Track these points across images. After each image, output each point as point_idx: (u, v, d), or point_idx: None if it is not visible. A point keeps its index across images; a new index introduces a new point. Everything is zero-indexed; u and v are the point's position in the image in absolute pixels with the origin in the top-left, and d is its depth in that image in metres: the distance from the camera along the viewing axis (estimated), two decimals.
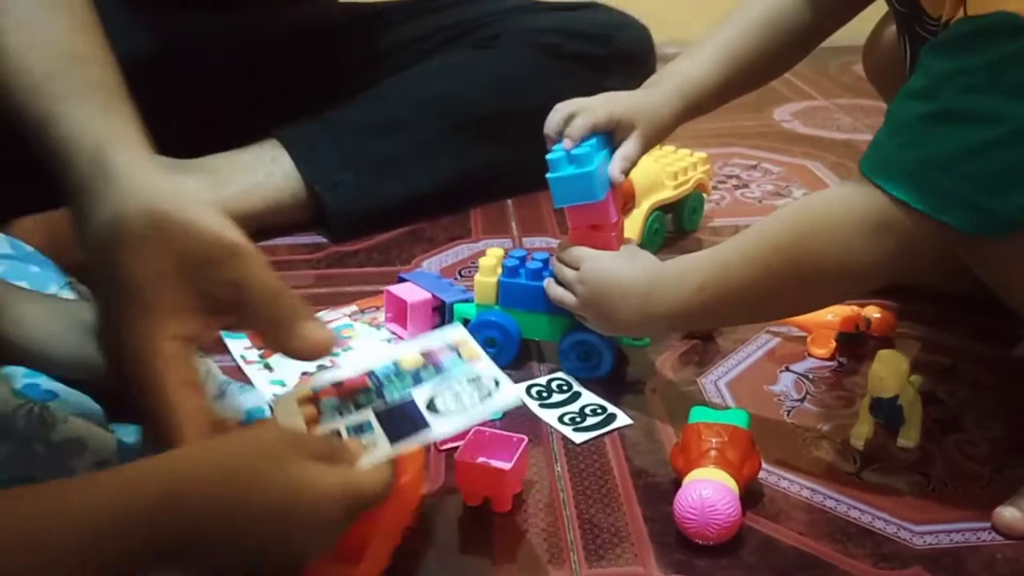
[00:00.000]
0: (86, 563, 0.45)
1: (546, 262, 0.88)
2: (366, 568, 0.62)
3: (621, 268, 0.80)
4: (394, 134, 1.21)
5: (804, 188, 1.33)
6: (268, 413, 0.78)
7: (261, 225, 1.13)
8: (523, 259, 0.89)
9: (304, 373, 0.88)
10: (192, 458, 0.51)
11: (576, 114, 0.84)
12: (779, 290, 0.72)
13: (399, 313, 0.95)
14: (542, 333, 0.90)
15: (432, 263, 1.11)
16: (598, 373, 0.87)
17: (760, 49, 0.90)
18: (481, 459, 0.72)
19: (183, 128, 1.12)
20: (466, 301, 0.95)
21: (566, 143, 0.82)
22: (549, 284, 0.85)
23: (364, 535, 0.62)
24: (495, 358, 0.87)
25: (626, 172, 0.85)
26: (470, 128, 1.24)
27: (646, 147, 0.87)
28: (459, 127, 1.23)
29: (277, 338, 0.58)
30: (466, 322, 0.90)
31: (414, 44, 1.30)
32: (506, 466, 0.71)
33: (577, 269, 0.82)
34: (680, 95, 0.88)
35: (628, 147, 0.85)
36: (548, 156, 0.82)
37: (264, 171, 1.16)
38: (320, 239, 1.18)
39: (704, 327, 0.93)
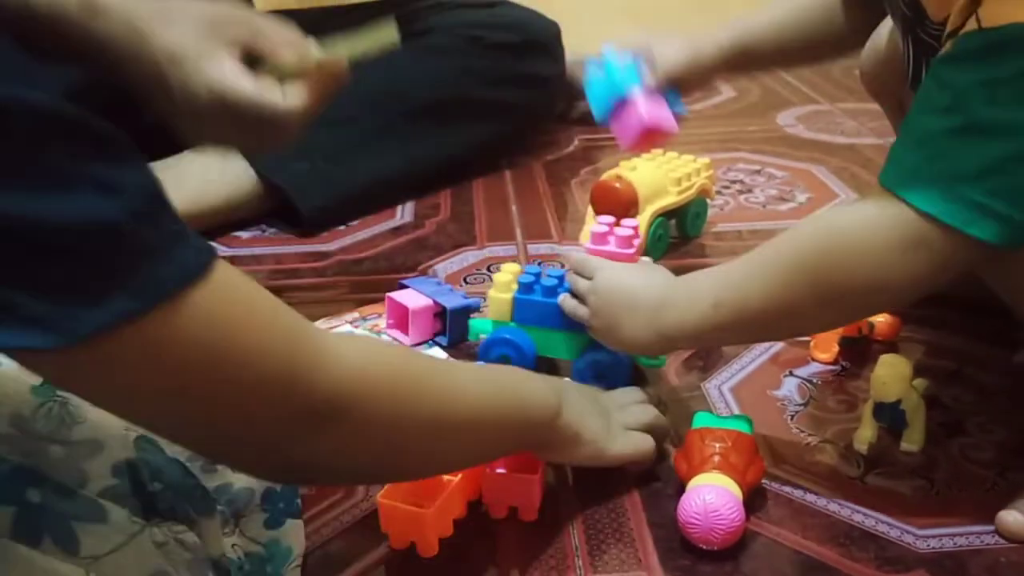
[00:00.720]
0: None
1: (561, 279, 0.86)
2: (436, 513, 0.67)
3: (633, 279, 0.79)
4: (340, 127, 1.26)
5: (808, 192, 1.33)
6: None
7: (221, 220, 1.21)
8: (538, 275, 0.87)
9: None
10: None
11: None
12: (800, 309, 0.70)
13: (400, 319, 0.95)
14: (557, 351, 0.87)
15: (437, 270, 1.12)
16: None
17: (809, 22, 0.94)
18: (503, 470, 0.71)
19: (132, 129, 1.18)
20: (467, 307, 0.95)
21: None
22: (564, 298, 0.84)
23: (440, 484, 0.68)
24: None
25: (670, 77, 0.92)
26: (411, 117, 1.32)
27: (684, 60, 0.93)
28: (401, 117, 1.31)
29: (299, 55, 0.73)
30: (481, 338, 0.89)
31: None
32: (534, 475, 0.71)
33: (591, 279, 0.81)
34: (724, 32, 0.95)
35: (665, 52, 0.92)
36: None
37: (217, 169, 1.19)
38: (327, 247, 1.19)
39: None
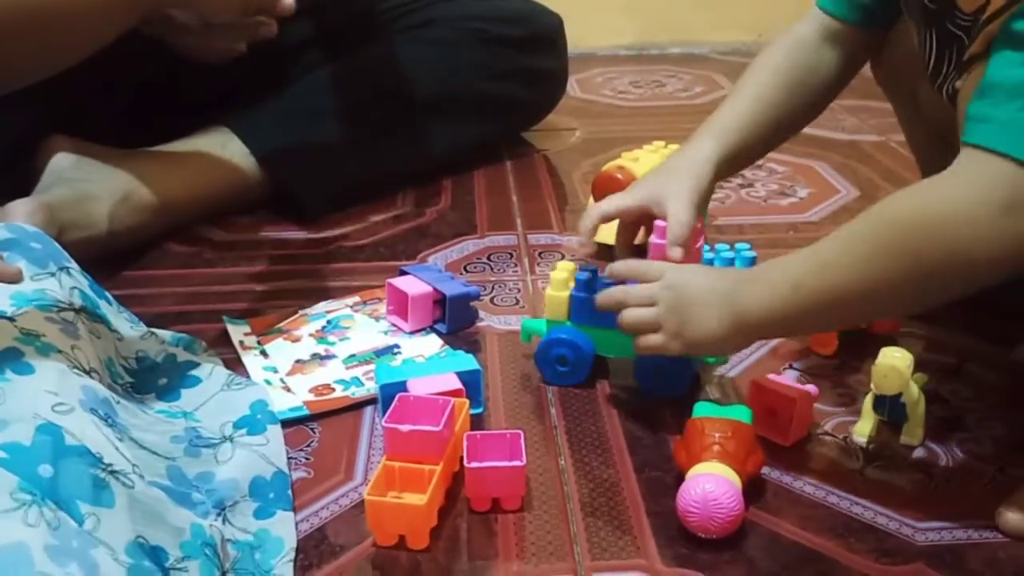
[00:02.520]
0: None
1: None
2: (430, 505, 0.67)
3: (705, 273, 0.75)
4: (343, 119, 1.26)
5: (809, 188, 1.33)
6: (271, 406, 0.79)
7: (220, 206, 1.20)
8: (595, 273, 0.85)
9: (298, 360, 0.89)
10: None
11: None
12: (888, 287, 0.65)
13: (400, 306, 0.95)
14: (617, 350, 0.84)
15: (438, 259, 1.12)
16: (674, 392, 0.83)
17: (789, 94, 0.90)
18: (491, 462, 0.71)
19: (130, 101, 1.18)
20: (466, 295, 0.95)
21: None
22: (607, 297, 0.78)
23: (423, 475, 0.69)
24: (567, 377, 0.85)
25: (682, 237, 0.81)
26: (415, 110, 1.31)
27: (694, 209, 0.83)
28: (404, 110, 1.30)
29: None
30: (534, 339, 0.87)
31: (352, 28, 1.36)
32: (520, 463, 0.71)
33: (659, 279, 0.76)
34: (713, 140, 0.89)
35: (674, 209, 0.82)
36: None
37: (215, 156, 1.19)
38: (328, 233, 1.19)
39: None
